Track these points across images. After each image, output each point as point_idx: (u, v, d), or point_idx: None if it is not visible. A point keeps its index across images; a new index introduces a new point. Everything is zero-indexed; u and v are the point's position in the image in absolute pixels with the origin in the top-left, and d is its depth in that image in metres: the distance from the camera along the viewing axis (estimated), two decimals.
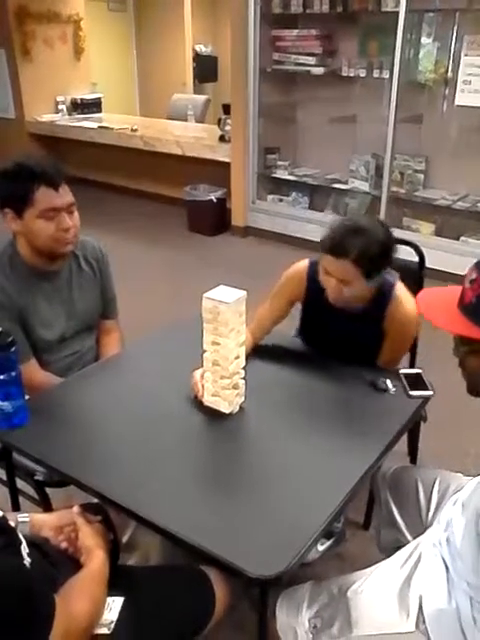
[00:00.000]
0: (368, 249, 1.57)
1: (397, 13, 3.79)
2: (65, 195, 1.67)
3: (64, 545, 1.22)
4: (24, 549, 1.02)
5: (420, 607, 1.17)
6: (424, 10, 3.89)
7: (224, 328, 1.42)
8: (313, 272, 1.76)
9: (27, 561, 1.01)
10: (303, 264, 1.82)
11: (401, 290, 1.73)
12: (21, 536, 1.05)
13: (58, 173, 1.66)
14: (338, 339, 1.80)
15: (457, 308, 1.03)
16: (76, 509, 1.26)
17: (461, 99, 3.77)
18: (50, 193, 1.63)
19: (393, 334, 1.75)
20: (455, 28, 3.89)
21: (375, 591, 1.24)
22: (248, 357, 1.56)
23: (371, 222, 1.66)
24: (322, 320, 1.83)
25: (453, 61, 3.90)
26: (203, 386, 1.56)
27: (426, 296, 1.14)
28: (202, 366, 1.54)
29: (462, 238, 4.07)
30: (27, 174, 1.61)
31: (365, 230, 1.59)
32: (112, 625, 1.14)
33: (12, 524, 1.06)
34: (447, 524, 1.24)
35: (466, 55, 3.70)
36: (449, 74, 3.93)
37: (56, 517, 1.28)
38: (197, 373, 1.59)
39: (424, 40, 3.97)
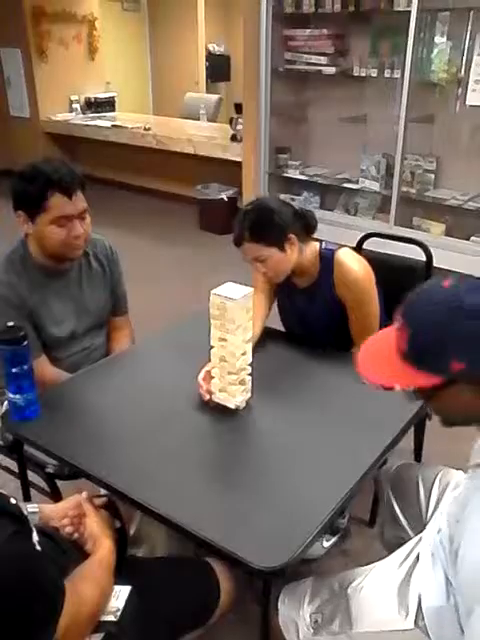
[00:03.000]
0: (254, 223, 1.71)
1: (409, 12, 3.79)
2: (78, 202, 1.67)
3: (69, 529, 1.24)
4: (35, 537, 1.05)
5: (419, 604, 1.18)
6: (437, 9, 3.88)
7: (231, 324, 1.45)
8: None
9: (38, 548, 1.04)
10: None
11: (342, 254, 1.79)
12: (32, 525, 1.08)
13: (73, 180, 1.65)
14: (307, 319, 1.91)
15: (397, 356, 0.98)
16: (84, 494, 1.29)
17: (473, 99, 3.76)
18: (64, 201, 1.63)
19: (348, 299, 1.80)
20: (469, 27, 3.87)
21: (375, 588, 1.25)
22: (254, 353, 1.58)
23: (255, 200, 1.79)
24: (291, 302, 1.95)
25: (466, 61, 3.89)
26: (208, 388, 1.57)
27: (363, 353, 1.07)
28: (209, 362, 1.56)
29: (472, 238, 4.06)
30: (42, 180, 1.61)
31: (248, 211, 1.74)
32: (119, 613, 1.17)
33: (24, 513, 1.09)
34: (457, 547, 1.25)
35: (479, 55, 3.69)
36: (461, 74, 3.92)
37: (63, 506, 1.31)
38: (202, 372, 1.60)
39: (437, 39, 3.95)
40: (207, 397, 1.57)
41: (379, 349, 1.04)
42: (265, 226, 1.71)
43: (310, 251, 1.81)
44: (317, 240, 1.84)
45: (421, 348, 0.94)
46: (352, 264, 1.77)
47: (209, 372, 1.57)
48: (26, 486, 1.71)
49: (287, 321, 2.05)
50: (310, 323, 1.92)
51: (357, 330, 1.83)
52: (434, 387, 0.95)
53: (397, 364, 0.97)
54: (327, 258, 1.79)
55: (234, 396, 1.53)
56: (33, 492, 1.76)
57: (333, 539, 1.97)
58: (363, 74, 4.22)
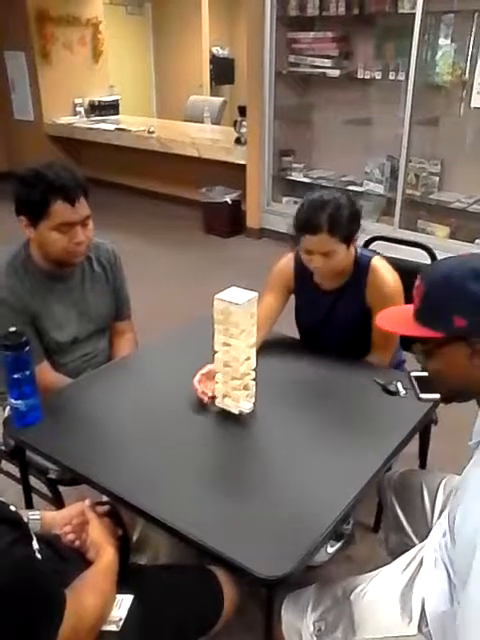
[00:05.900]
0: (337, 217, 1.67)
1: (414, 15, 3.78)
2: (80, 209, 1.64)
3: (71, 536, 1.23)
4: (35, 545, 1.04)
5: (422, 610, 1.17)
6: (441, 12, 3.87)
7: (235, 329, 1.44)
8: (298, 260, 1.85)
9: (38, 556, 1.03)
10: (288, 256, 1.93)
11: (378, 262, 1.80)
12: (32, 533, 1.07)
13: (76, 186, 1.62)
14: (329, 322, 1.88)
15: (412, 318, 1.08)
16: (87, 502, 1.28)
17: (477, 101, 3.75)
18: (66, 208, 1.60)
19: (377, 307, 1.76)
20: (473, 29, 3.86)
21: (378, 595, 1.24)
22: (261, 358, 1.57)
23: (331, 193, 1.75)
24: (312, 304, 1.92)
25: (470, 63, 3.87)
26: (203, 390, 1.57)
27: (386, 313, 1.20)
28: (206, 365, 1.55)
29: (477, 241, 4.04)
30: (45, 186, 1.58)
31: (329, 201, 1.69)
32: (121, 622, 1.16)
33: (24, 520, 1.08)
34: (452, 520, 1.24)
35: None
36: (466, 76, 3.91)
37: (66, 513, 1.30)
38: (197, 375, 1.59)
39: (441, 42, 3.95)
40: (205, 399, 1.56)
41: (399, 311, 1.16)
42: (346, 221, 1.69)
43: (350, 253, 1.79)
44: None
45: (430, 303, 1.03)
46: (387, 275, 1.77)
47: (205, 374, 1.57)
48: (28, 492, 1.70)
49: (303, 324, 2.02)
50: (330, 326, 1.89)
51: (377, 338, 1.82)
52: (435, 342, 1.03)
53: (410, 322, 1.07)
54: (363, 263, 1.79)
55: (238, 401, 1.52)
56: (35, 498, 1.75)
57: (337, 545, 1.95)
58: (367, 77, 4.22)
